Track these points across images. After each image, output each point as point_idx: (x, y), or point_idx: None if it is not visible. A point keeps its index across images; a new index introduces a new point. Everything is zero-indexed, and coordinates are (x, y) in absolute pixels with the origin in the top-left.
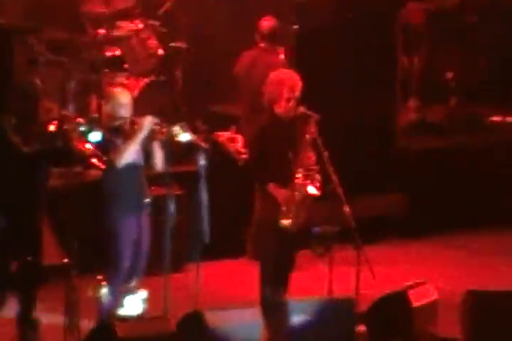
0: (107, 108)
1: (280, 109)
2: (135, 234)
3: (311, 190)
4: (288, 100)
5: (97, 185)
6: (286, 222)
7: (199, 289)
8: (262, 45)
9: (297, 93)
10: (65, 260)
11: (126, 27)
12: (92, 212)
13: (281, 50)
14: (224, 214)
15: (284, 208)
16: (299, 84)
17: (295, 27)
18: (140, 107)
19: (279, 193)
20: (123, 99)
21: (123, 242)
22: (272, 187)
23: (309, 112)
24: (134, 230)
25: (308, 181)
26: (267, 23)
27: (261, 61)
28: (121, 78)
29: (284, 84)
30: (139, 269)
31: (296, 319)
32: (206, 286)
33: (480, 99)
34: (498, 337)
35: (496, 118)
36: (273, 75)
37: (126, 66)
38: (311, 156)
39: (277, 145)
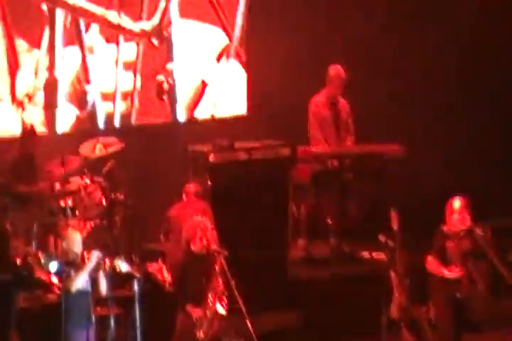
0: (62, 245)
1: (195, 246)
2: None
3: (220, 309)
4: (201, 239)
5: (55, 306)
6: (200, 336)
7: None
8: (187, 198)
9: (210, 233)
10: None
11: (76, 182)
12: (51, 329)
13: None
14: (156, 330)
15: (198, 324)
16: (210, 229)
17: (209, 183)
18: (88, 245)
19: (194, 312)
20: (75, 238)
21: None
22: (189, 307)
23: (219, 249)
24: (84, 338)
25: (217, 302)
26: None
27: (189, 208)
28: (73, 222)
29: (198, 226)
30: None
31: None
32: None
33: (353, 238)
34: None
35: (365, 254)
36: (190, 220)
37: (76, 213)
38: (220, 283)
39: (194, 275)
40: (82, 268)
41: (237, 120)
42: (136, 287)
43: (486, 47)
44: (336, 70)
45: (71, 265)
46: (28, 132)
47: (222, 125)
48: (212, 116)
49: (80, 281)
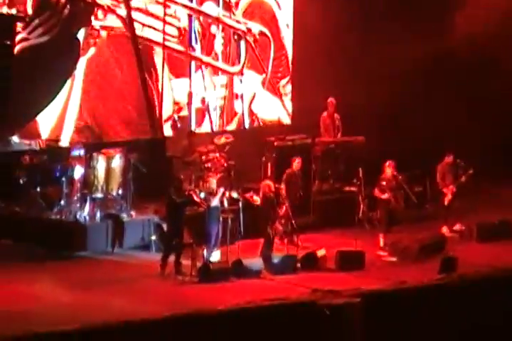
0: (206, 185)
1: (268, 193)
2: (216, 230)
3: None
4: (269, 190)
5: (203, 212)
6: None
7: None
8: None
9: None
10: (191, 241)
11: (213, 155)
12: (201, 223)
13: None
14: (250, 222)
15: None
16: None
17: (274, 156)
18: (218, 185)
19: (269, 214)
20: (212, 182)
21: (212, 233)
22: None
23: (285, 195)
24: (216, 228)
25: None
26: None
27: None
28: (211, 174)
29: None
30: (217, 243)
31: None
32: (243, 251)
33: (341, 180)
34: None
35: (347, 188)
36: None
37: (212, 170)
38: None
39: (267, 202)
40: (215, 196)
41: (282, 125)
42: (240, 204)
43: None
44: (330, 101)
45: (210, 194)
46: (190, 132)
47: (275, 127)
48: (279, 120)
49: (215, 202)
